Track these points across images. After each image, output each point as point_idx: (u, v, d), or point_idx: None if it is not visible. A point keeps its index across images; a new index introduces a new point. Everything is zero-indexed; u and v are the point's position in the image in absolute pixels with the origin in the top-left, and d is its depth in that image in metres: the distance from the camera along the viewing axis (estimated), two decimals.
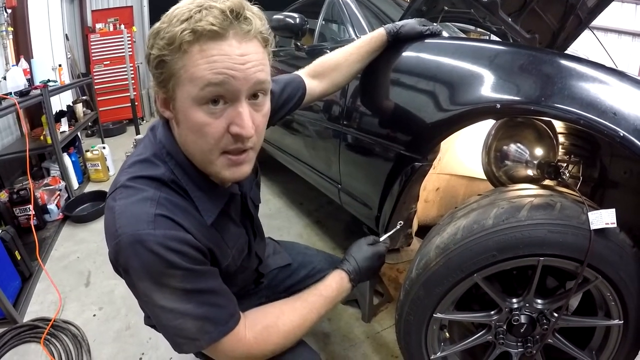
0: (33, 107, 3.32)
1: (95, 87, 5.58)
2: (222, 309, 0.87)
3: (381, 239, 1.21)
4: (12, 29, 3.81)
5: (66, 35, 5.56)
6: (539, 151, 1.26)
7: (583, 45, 2.25)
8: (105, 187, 3.74)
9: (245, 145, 0.80)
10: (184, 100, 0.76)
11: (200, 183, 0.88)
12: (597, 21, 2.02)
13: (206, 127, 0.76)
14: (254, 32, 0.76)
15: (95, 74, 6.03)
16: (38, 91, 3.17)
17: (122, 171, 0.88)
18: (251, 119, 0.78)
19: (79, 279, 2.43)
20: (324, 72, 1.41)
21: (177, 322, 0.82)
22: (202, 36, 0.71)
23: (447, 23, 2.71)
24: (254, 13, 0.77)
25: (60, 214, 3.18)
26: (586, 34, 2.08)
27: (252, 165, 0.88)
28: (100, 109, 5.33)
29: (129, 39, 5.49)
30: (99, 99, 5.71)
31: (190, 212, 0.85)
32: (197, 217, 0.86)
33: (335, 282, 1.07)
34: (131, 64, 5.33)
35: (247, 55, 0.75)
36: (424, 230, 1.44)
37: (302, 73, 1.39)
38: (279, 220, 3.09)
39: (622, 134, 0.91)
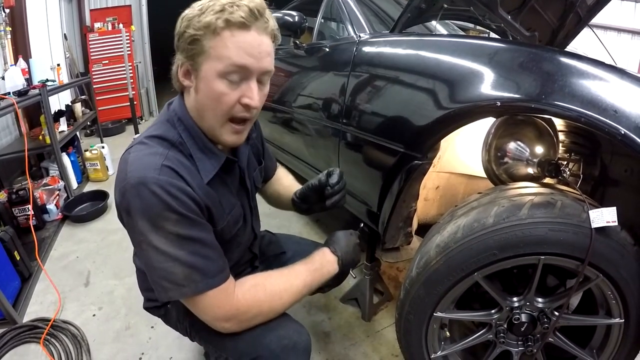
0: (32, 106, 3.32)
1: (94, 86, 5.54)
2: (212, 261, 0.94)
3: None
4: (10, 29, 3.79)
5: (64, 34, 5.54)
6: (539, 149, 1.26)
7: (582, 43, 2.25)
8: (105, 186, 3.74)
9: (250, 114, 0.98)
10: (208, 72, 0.92)
11: (202, 146, 1.01)
12: (597, 19, 2.02)
13: (224, 96, 0.93)
14: (269, 29, 0.95)
15: (93, 73, 6.00)
16: (36, 91, 3.15)
17: (142, 133, 1.04)
18: (258, 94, 0.96)
19: (78, 279, 2.43)
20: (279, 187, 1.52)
21: (167, 264, 0.90)
22: (233, 25, 0.88)
23: (446, 21, 2.70)
24: (269, 14, 0.96)
25: (60, 213, 3.17)
26: (586, 32, 2.08)
27: (246, 135, 1.07)
28: (99, 109, 5.29)
29: (128, 38, 5.48)
30: (97, 98, 5.67)
31: (192, 172, 0.98)
32: (197, 177, 0.98)
33: (318, 255, 1.16)
34: (130, 63, 5.33)
35: (262, 46, 0.93)
36: (424, 229, 1.44)
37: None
38: (278, 219, 3.09)
39: (623, 132, 0.91)
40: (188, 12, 0.94)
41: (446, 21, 2.72)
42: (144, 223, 0.89)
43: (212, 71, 0.92)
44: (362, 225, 1.35)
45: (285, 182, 1.51)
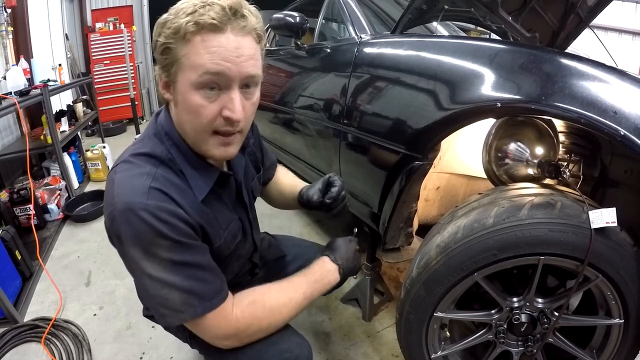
0: (33, 106, 3.32)
1: (95, 86, 5.57)
2: (208, 284, 0.90)
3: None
4: (11, 29, 3.81)
5: (66, 34, 5.56)
6: (539, 150, 1.26)
7: (583, 44, 2.25)
8: None
9: (234, 128, 0.90)
10: (183, 84, 0.85)
11: (193, 162, 0.95)
12: (598, 20, 2.02)
13: (201, 109, 0.85)
14: (248, 28, 0.85)
15: (95, 73, 6.03)
16: (38, 91, 3.16)
17: (127, 149, 0.97)
18: (241, 105, 0.88)
19: (79, 278, 2.43)
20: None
21: (163, 292, 0.86)
22: (204, 28, 0.80)
23: (447, 22, 2.71)
24: (251, 11, 0.86)
25: (61, 213, 3.18)
26: (586, 33, 2.08)
27: (239, 146, 0.98)
28: (100, 109, 5.32)
29: (129, 38, 5.48)
30: (99, 98, 5.70)
31: (184, 190, 0.92)
32: (190, 195, 0.93)
33: (318, 265, 1.13)
34: (131, 63, 5.33)
35: (241, 49, 0.84)
36: (425, 230, 1.44)
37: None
38: (279, 219, 3.09)
39: (622, 133, 0.91)
40: (164, 15, 0.86)
41: (447, 22, 2.72)
42: (135, 251, 0.84)
43: (186, 82, 0.84)
44: (355, 230, 1.33)
45: (287, 180, 1.46)
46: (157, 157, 0.92)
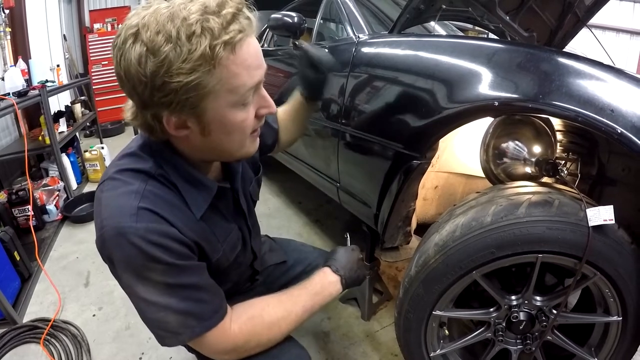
0: (31, 107, 3.33)
1: (94, 87, 5.57)
2: (205, 304, 0.87)
3: None
4: (9, 30, 3.81)
5: (64, 35, 5.55)
6: (537, 149, 1.26)
7: (581, 43, 2.25)
8: None
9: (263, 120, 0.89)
10: (220, 110, 0.77)
11: (189, 177, 0.89)
12: (596, 19, 2.02)
13: (244, 122, 0.82)
14: (254, 24, 0.78)
15: (93, 74, 6.02)
16: (36, 91, 3.16)
17: (112, 164, 0.90)
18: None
19: (78, 279, 2.43)
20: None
21: (159, 315, 0.83)
22: (235, 44, 0.72)
23: (445, 22, 2.71)
24: (247, 6, 0.79)
25: (59, 214, 3.18)
26: (585, 33, 2.08)
27: None
28: (98, 109, 5.31)
29: None
30: (97, 99, 5.69)
31: (178, 206, 0.86)
32: (185, 211, 0.87)
33: (319, 277, 1.10)
34: None
35: (258, 49, 0.80)
36: (423, 229, 1.45)
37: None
38: (278, 219, 3.10)
39: (619, 131, 0.91)
40: (159, 49, 0.68)
41: (445, 22, 2.72)
42: (128, 276, 0.81)
43: (224, 107, 0.77)
44: (347, 236, 1.34)
45: (284, 115, 1.40)
46: (145, 172, 0.84)
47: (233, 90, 0.75)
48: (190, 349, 1.17)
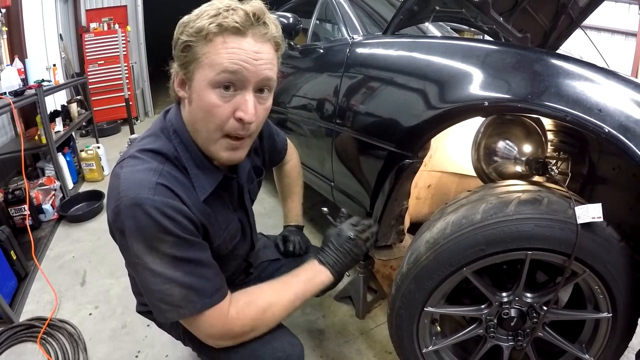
0: (27, 107, 3.32)
1: (90, 86, 5.55)
2: (208, 281, 0.92)
3: None
4: (6, 29, 3.80)
5: (60, 35, 5.53)
6: (527, 148, 1.28)
7: (577, 44, 2.27)
8: (100, 187, 3.73)
9: (245, 131, 0.92)
10: (200, 82, 0.87)
11: (199, 162, 0.97)
12: (590, 20, 2.04)
13: (215, 108, 0.88)
14: (269, 36, 0.89)
15: (89, 73, 5.99)
16: (32, 91, 3.16)
17: (133, 144, 0.99)
18: (254, 108, 0.90)
19: (74, 278, 2.43)
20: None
21: (164, 287, 0.87)
22: (226, 30, 0.84)
23: (440, 23, 2.73)
24: (272, 20, 0.90)
25: (56, 213, 3.17)
26: (579, 34, 2.10)
27: (247, 151, 1.01)
28: (94, 109, 5.30)
29: (123, 38, 5.48)
30: (93, 98, 5.69)
31: (188, 188, 0.94)
32: (193, 193, 0.95)
33: (309, 265, 1.15)
34: (125, 64, 5.32)
35: (261, 54, 0.87)
36: (417, 228, 1.46)
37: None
38: (273, 218, 3.10)
39: (607, 130, 0.93)
40: (186, 17, 0.90)
41: (440, 23, 2.74)
42: (139, 245, 0.86)
43: (204, 80, 0.86)
44: (325, 209, 1.43)
45: (284, 185, 1.64)
46: (164, 154, 0.94)
47: (212, 66, 0.85)
48: (185, 341, 1.20)
